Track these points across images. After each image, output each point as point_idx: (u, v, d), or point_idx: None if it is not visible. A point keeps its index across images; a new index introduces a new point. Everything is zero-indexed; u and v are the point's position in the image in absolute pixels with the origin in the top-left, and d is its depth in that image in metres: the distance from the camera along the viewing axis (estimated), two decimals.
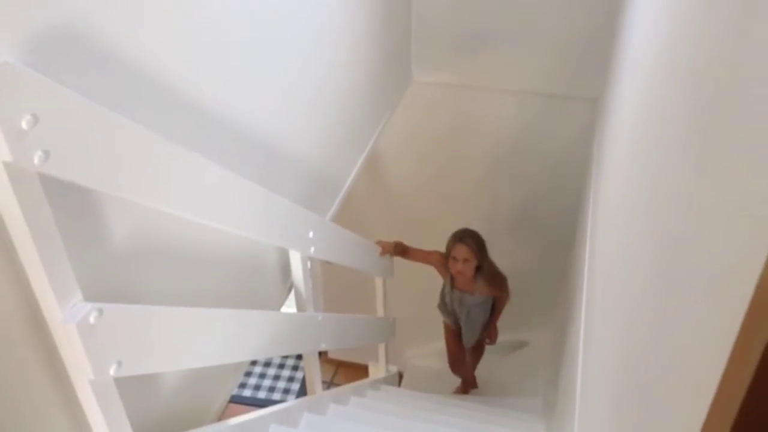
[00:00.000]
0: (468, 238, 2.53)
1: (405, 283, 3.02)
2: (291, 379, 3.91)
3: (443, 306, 2.96)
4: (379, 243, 2.65)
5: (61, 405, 0.98)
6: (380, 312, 3.01)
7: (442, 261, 2.68)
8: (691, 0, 0.88)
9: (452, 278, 2.75)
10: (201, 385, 1.48)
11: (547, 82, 2.88)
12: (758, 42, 0.53)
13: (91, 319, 0.90)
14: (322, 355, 3.90)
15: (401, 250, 2.72)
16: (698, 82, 0.75)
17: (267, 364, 4.01)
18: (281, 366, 4.00)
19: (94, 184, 0.90)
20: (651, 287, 0.84)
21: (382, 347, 3.12)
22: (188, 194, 1.13)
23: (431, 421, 2.28)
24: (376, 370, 3.19)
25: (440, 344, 3.27)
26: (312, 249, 1.80)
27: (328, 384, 3.82)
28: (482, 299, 2.76)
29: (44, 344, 0.91)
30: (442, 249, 2.68)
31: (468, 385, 3.49)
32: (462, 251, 2.54)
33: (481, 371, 3.37)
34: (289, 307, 1.97)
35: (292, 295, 1.92)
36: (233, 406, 3.58)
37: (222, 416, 1.70)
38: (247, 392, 3.82)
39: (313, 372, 2.03)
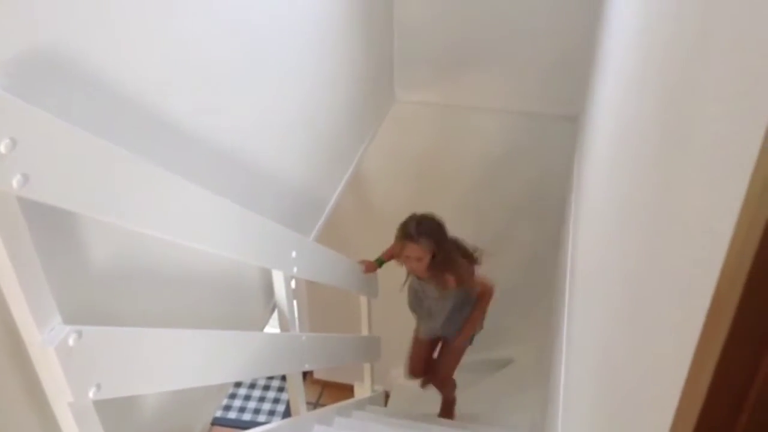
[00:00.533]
0: (422, 237, 2.17)
1: (391, 302, 3.02)
2: (276, 401, 3.88)
3: (414, 301, 2.58)
4: (362, 262, 2.64)
5: (40, 428, 0.97)
6: (365, 331, 3.00)
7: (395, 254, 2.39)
8: (660, 21, 0.91)
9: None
10: (183, 407, 1.47)
11: (528, 100, 2.92)
12: (716, 65, 0.55)
13: (70, 342, 0.90)
14: (307, 375, 3.88)
15: (380, 263, 2.59)
16: (665, 102, 0.78)
17: (252, 386, 3.98)
18: (266, 388, 3.97)
19: (73, 207, 0.91)
20: (624, 300, 0.86)
21: (367, 367, 3.11)
22: (169, 216, 1.13)
23: None
24: (362, 390, 3.18)
25: None
26: (295, 269, 1.80)
27: (314, 405, 3.80)
28: (443, 293, 2.39)
29: (23, 366, 0.91)
30: None
31: (446, 402, 3.07)
32: (414, 251, 2.20)
33: (467, 388, 3.36)
34: (273, 327, 1.97)
35: (275, 316, 1.92)
36: (218, 429, 3.55)
37: None
38: (231, 414, 3.78)
39: (297, 392, 2.02)
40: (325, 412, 2.38)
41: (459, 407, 3.18)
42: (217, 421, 3.61)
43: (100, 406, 1.00)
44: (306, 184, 2.10)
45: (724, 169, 0.49)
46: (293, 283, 1.93)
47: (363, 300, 2.92)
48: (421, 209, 3.30)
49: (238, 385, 3.96)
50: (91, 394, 0.95)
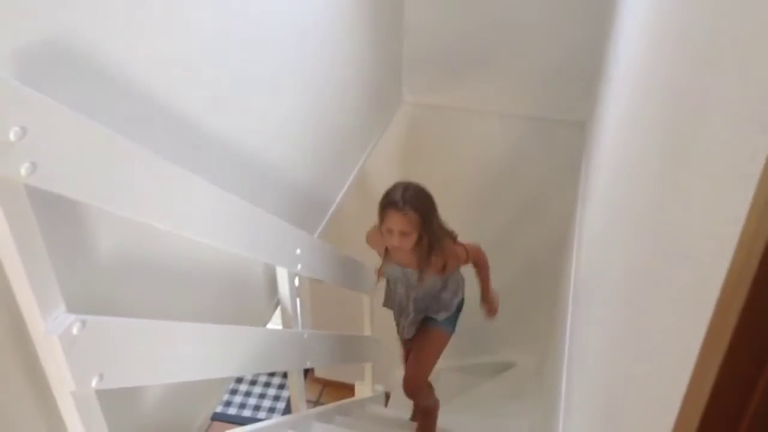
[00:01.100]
0: (408, 205, 1.83)
1: None
2: (277, 398, 3.88)
3: (392, 295, 2.25)
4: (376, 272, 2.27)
5: (42, 416, 0.98)
6: (367, 331, 3.00)
7: (375, 234, 2.06)
8: (667, 27, 0.91)
9: (387, 250, 2.10)
10: (183, 400, 1.47)
11: (535, 105, 2.92)
12: (723, 71, 0.55)
13: (74, 331, 0.90)
14: (308, 373, 3.88)
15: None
16: (671, 108, 0.78)
17: (253, 383, 3.98)
18: (267, 384, 3.97)
19: (80, 197, 0.91)
20: (627, 306, 0.86)
21: (369, 366, 3.11)
22: (175, 208, 1.14)
23: None
24: (363, 390, 3.18)
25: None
26: (299, 266, 1.80)
27: (314, 403, 3.80)
28: (432, 280, 2.07)
29: (26, 355, 0.91)
30: None
31: (426, 412, 2.55)
32: (398, 222, 1.85)
33: (465, 393, 3.35)
34: (276, 324, 1.97)
35: (278, 312, 1.92)
36: (218, 424, 3.56)
37: None
38: (232, 410, 3.78)
39: (298, 390, 2.02)
40: (325, 410, 2.38)
41: (454, 411, 3.14)
42: (217, 417, 3.62)
43: (102, 396, 1.01)
44: (312, 182, 2.11)
45: (729, 176, 0.49)
46: (297, 281, 1.93)
47: (365, 300, 2.92)
48: None
49: (239, 381, 3.97)
50: (93, 384, 0.96)
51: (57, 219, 0.95)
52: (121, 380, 1.05)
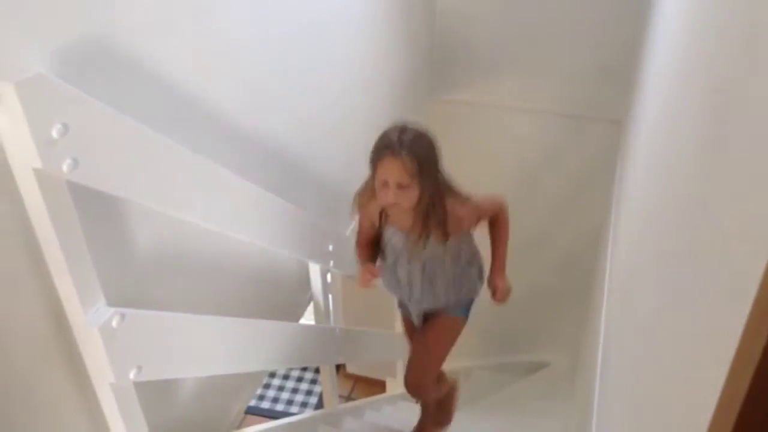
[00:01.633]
0: (405, 150, 1.40)
1: None
2: (309, 393, 3.92)
3: (391, 272, 1.69)
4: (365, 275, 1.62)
5: (81, 407, 1.01)
6: (399, 327, 3.01)
7: (366, 194, 1.56)
8: (705, 28, 0.89)
9: (383, 213, 1.61)
10: (218, 393, 1.50)
11: (570, 102, 2.88)
12: (761, 73, 0.54)
13: (114, 324, 0.93)
14: (340, 369, 3.90)
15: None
16: (708, 110, 0.76)
17: (286, 377, 4.02)
18: (299, 379, 4.01)
19: (120, 192, 0.93)
20: (663, 306, 0.85)
21: (400, 363, 3.11)
22: (210, 204, 1.16)
23: None
24: (394, 386, 3.19)
25: (461, 363, 3.24)
26: (331, 262, 1.82)
27: (346, 398, 3.82)
28: (440, 247, 1.57)
29: (67, 347, 0.94)
30: None
31: (430, 416, 2.06)
32: (394, 170, 1.42)
33: (497, 392, 3.31)
34: (308, 319, 1.99)
35: (311, 308, 1.94)
36: (251, 417, 3.60)
37: (239, 426, 1.72)
38: (265, 404, 3.83)
39: (330, 385, 2.04)
40: (356, 405, 2.39)
41: (485, 411, 3.09)
42: (250, 410, 3.67)
43: (139, 388, 1.03)
44: (344, 179, 2.11)
45: (766, 178, 0.48)
46: (329, 277, 1.94)
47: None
48: None
49: (272, 375, 4.01)
50: (132, 376, 0.98)
51: (97, 214, 0.97)
52: (159, 372, 1.07)
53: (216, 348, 1.26)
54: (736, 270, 0.52)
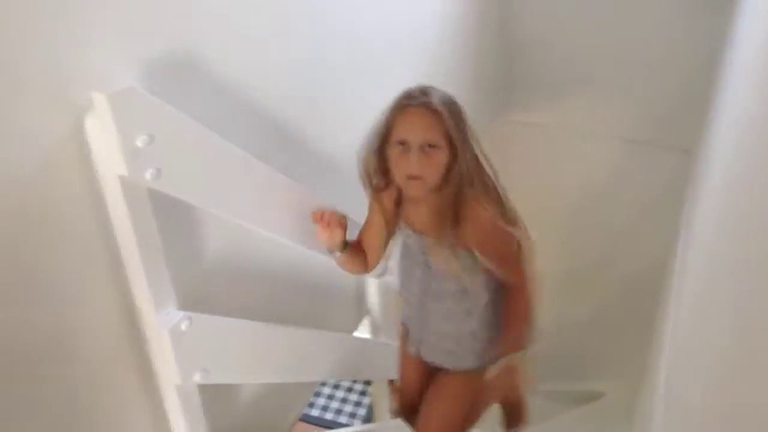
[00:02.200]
0: (434, 98, 1.10)
1: None
2: (358, 404, 3.92)
3: (405, 283, 1.34)
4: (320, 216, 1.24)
5: (146, 408, 1.04)
6: None
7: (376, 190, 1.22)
8: None
9: (396, 210, 1.24)
10: (276, 400, 1.52)
11: (640, 128, 2.81)
12: None
13: (183, 327, 0.96)
14: (391, 382, 3.89)
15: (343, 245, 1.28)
16: None
17: (336, 387, 4.04)
18: (349, 390, 4.02)
19: (196, 201, 0.97)
20: (733, 342, 0.82)
21: None
22: (281, 217, 1.18)
23: None
24: None
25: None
26: (387, 275, 1.82)
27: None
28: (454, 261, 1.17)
29: (138, 349, 0.97)
30: None
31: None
32: (418, 124, 1.10)
33: (545, 420, 3.22)
34: (363, 332, 1.99)
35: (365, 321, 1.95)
36: (300, 424, 3.62)
37: None
38: (315, 412, 3.86)
39: (382, 400, 2.04)
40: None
41: None
42: (300, 417, 3.70)
43: (202, 391, 1.06)
44: None
45: None
46: (386, 291, 1.95)
47: None
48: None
49: (322, 384, 4.04)
50: (197, 378, 1.01)
51: (172, 222, 1.01)
52: (222, 377, 1.10)
53: (277, 355, 1.28)
54: None
